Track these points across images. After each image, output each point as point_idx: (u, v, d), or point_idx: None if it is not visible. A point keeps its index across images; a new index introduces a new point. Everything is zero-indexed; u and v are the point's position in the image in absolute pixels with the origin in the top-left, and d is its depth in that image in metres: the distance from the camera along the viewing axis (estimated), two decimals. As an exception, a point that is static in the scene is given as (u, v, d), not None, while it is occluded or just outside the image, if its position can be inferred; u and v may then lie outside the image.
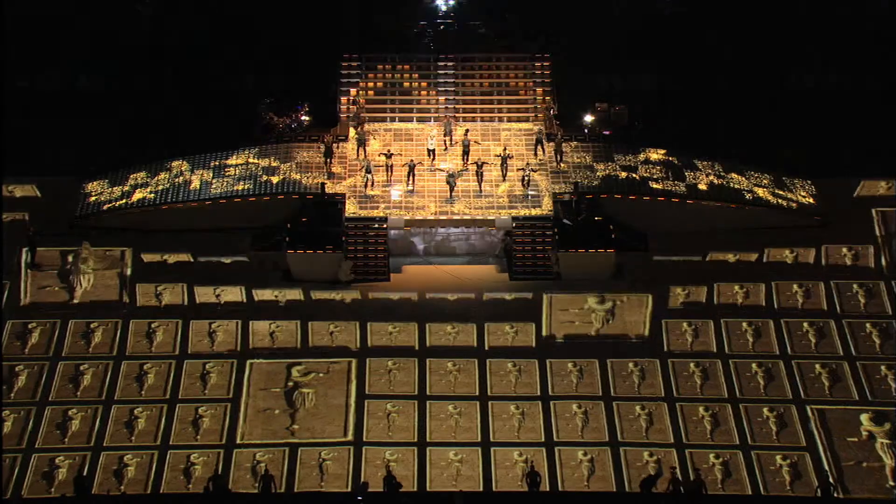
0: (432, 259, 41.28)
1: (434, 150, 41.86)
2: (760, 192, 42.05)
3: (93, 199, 41.69)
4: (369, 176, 40.90)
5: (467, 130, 42.31)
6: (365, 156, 41.77)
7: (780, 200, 41.95)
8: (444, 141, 42.35)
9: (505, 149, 41.85)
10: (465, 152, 41.69)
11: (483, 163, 41.11)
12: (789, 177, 43.09)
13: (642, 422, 35.97)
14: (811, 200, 42.51)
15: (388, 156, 41.40)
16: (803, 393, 36.87)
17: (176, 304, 39.12)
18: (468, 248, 41.86)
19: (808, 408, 36.30)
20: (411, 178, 41.04)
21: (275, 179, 41.31)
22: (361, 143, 42.05)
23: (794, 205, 42.03)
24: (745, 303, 39.55)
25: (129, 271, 39.96)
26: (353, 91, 44.16)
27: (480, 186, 41.07)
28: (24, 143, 43.20)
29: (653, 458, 34.95)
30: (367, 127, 42.71)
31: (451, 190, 40.82)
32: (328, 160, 41.77)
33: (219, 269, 40.24)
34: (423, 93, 44.38)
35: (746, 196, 41.75)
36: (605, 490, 34.16)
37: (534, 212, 40.69)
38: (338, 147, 42.19)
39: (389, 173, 41.32)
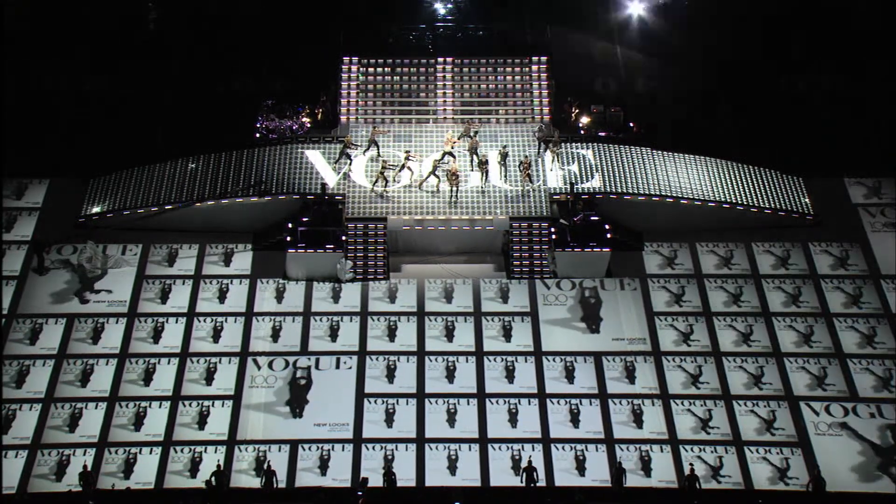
0: (431, 258, 41.33)
1: (453, 153, 41.58)
2: (752, 191, 42.31)
3: (96, 200, 41.86)
4: (386, 172, 40.85)
5: (476, 132, 42.20)
6: (378, 155, 41.66)
7: (772, 200, 42.25)
8: (458, 143, 42.04)
9: (505, 146, 41.94)
10: (474, 153, 41.65)
11: (486, 160, 41.08)
12: (781, 174, 43.16)
13: (635, 416, 36.24)
14: (803, 199, 42.68)
15: (407, 157, 41.27)
16: (794, 389, 37.22)
17: (180, 302, 39.42)
18: (467, 245, 41.72)
19: (800, 403, 36.71)
20: (435, 175, 41.00)
21: (276, 180, 41.42)
22: (373, 143, 42.05)
23: (785, 204, 42.30)
24: (737, 300, 39.89)
25: (133, 270, 40.19)
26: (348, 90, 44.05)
27: (483, 184, 41.30)
28: (30, 142, 43.41)
29: (646, 452, 35.35)
30: (380, 129, 42.61)
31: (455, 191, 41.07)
32: (342, 160, 41.63)
33: (222, 267, 40.57)
34: (423, 95, 44.14)
35: (740, 196, 41.99)
36: (603, 486, 34.34)
37: (531, 212, 40.83)
38: (354, 148, 42.10)
39: (411, 173, 41.30)
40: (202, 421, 36.02)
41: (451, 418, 36.24)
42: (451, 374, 37.50)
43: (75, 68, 46.09)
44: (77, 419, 35.91)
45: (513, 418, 36.23)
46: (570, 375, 37.48)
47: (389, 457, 35.04)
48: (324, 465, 34.92)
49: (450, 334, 38.72)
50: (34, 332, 38.30)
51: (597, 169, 42.15)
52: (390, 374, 37.47)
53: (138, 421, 35.95)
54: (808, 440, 35.72)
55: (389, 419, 36.20)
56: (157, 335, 38.42)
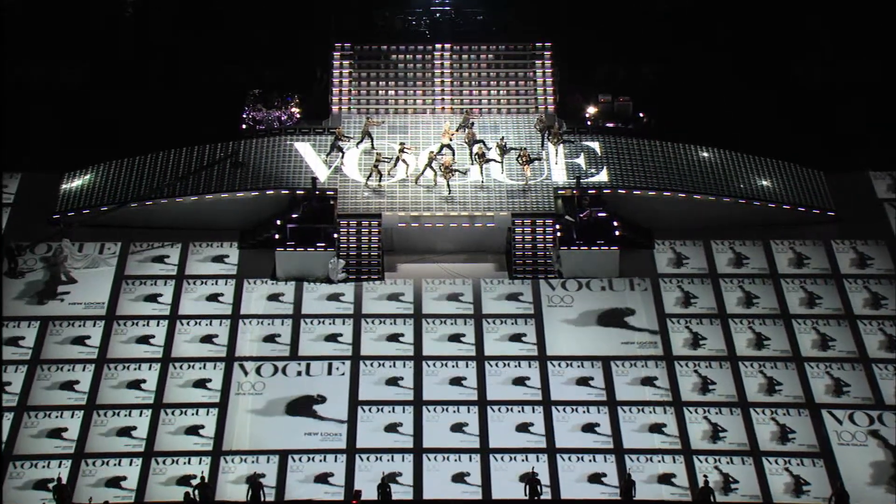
0: (429, 257, 41.02)
1: (451, 146, 41.57)
2: (771, 185, 42.09)
3: (73, 195, 41.66)
4: (380, 166, 40.75)
5: (473, 123, 42.26)
6: (372, 148, 41.85)
7: (791, 195, 41.93)
8: (456, 134, 42.04)
9: (503, 138, 41.81)
10: (472, 145, 41.54)
11: (484, 154, 41.05)
12: (801, 169, 42.92)
13: (648, 426, 35.71)
14: (824, 194, 42.36)
15: (402, 149, 41.19)
16: (815, 395, 36.56)
17: (162, 304, 39.02)
18: (467, 243, 41.39)
19: (821, 411, 35.99)
20: (429, 169, 40.89)
21: (264, 174, 41.31)
22: (367, 135, 41.98)
23: (806, 200, 41.94)
24: (753, 301, 39.42)
25: (111, 270, 39.96)
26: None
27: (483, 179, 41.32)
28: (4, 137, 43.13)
29: (657, 464, 34.73)
30: (373, 120, 42.68)
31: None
32: (334, 153, 41.62)
33: (207, 268, 40.31)
34: (419, 83, 44.32)
35: (757, 191, 41.77)
36: (612, 499, 33.80)
37: (535, 208, 40.69)
38: (346, 140, 42.08)
39: (406, 166, 41.22)
40: (186, 430, 35.50)
41: (451, 427, 35.76)
42: (450, 380, 37.08)
43: (50, 59, 46.43)
44: (52, 428, 35.35)
45: (517, 427, 35.80)
46: (577, 381, 37.07)
47: (385, 468, 34.50)
48: (315, 477, 34.37)
49: (449, 338, 38.35)
50: (8, 339, 37.78)
51: (604, 162, 41.96)
52: (386, 380, 37.08)
53: (118, 430, 35.39)
54: (831, 450, 35.09)
55: (385, 428, 35.76)
56: (137, 339, 38.04)
